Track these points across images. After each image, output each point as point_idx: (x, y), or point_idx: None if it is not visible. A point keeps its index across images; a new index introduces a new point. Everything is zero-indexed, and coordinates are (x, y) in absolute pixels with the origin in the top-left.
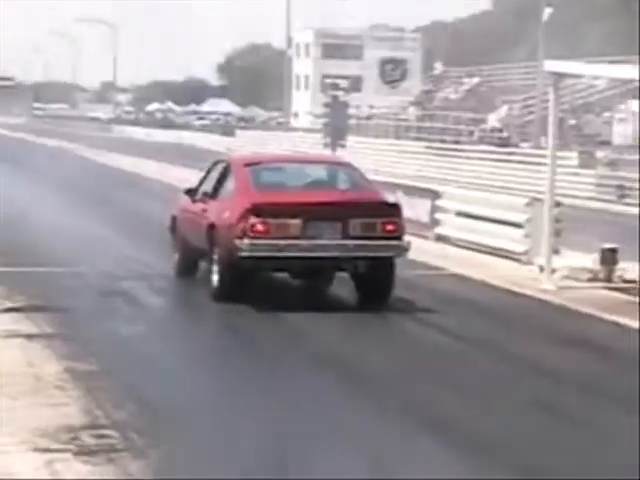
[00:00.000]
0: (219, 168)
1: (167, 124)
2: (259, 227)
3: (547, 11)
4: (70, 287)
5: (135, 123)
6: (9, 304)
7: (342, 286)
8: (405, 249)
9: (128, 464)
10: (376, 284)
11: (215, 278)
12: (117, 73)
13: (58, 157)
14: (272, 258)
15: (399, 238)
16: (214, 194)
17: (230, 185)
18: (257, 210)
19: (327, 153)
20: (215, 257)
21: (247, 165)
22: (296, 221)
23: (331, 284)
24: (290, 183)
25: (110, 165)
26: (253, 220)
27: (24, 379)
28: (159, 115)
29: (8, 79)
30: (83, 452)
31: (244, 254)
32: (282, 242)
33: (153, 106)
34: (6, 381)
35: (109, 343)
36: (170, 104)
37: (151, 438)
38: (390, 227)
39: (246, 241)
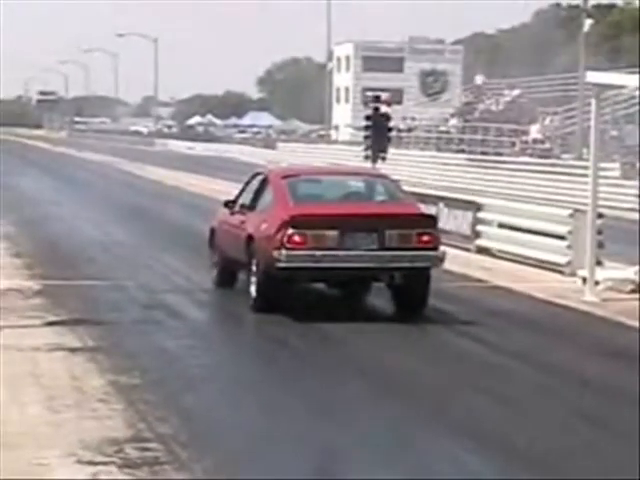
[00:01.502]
0: (257, 180)
1: (208, 137)
2: (296, 238)
3: (587, 22)
4: (112, 300)
5: (176, 136)
6: (52, 317)
7: (377, 296)
8: (441, 260)
9: (172, 477)
10: (412, 294)
11: (253, 289)
12: (158, 87)
13: (99, 171)
14: (309, 269)
15: (435, 249)
16: (252, 206)
17: (268, 197)
18: (294, 222)
19: (365, 165)
20: (253, 268)
21: (285, 177)
22: (333, 232)
23: (368, 294)
24: (327, 195)
25: (151, 179)
26: (290, 231)
27: (68, 392)
28: (200, 128)
29: (50, 94)
30: (127, 465)
31: (282, 265)
32: (319, 253)
33: (194, 119)
34: (50, 394)
35: (152, 356)
36: (211, 117)
37: (195, 451)
38: (426, 238)
39: (284, 252)
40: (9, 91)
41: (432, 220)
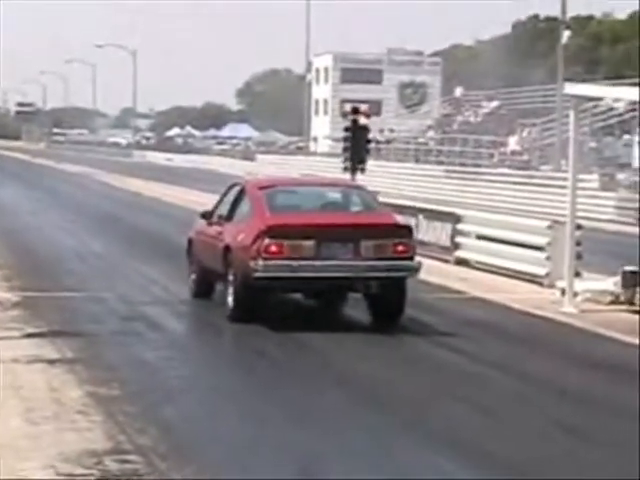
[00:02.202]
0: (234, 191)
1: (187, 149)
2: (273, 248)
3: (566, 34)
4: (90, 312)
5: (155, 148)
6: (30, 329)
7: (353, 306)
8: (416, 270)
9: None
10: (388, 304)
11: (230, 299)
12: (137, 99)
13: (78, 183)
14: (286, 278)
15: (410, 259)
16: (229, 217)
17: (245, 208)
18: (271, 232)
19: (342, 176)
20: (230, 278)
21: (262, 188)
22: (309, 242)
23: (344, 304)
24: (304, 205)
25: (129, 190)
26: (267, 241)
27: (47, 404)
28: (179, 140)
29: (28, 105)
30: (106, 477)
31: (258, 275)
32: (296, 263)
33: (173, 131)
34: (29, 406)
35: (131, 367)
36: (190, 129)
37: (174, 463)
38: (401, 248)
39: (260, 262)
40: None
41: (408, 230)
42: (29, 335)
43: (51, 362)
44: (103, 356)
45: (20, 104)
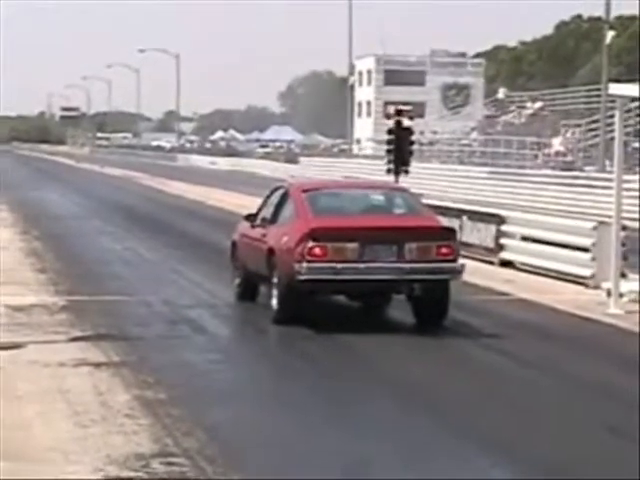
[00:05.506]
0: (278, 194)
1: (230, 152)
2: (317, 251)
3: (610, 34)
4: (136, 315)
5: (198, 151)
6: (77, 333)
7: (396, 308)
8: (460, 272)
9: None
10: (432, 306)
11: (275, 302)
12: (180, 102)
13: (122, 186)
14: (330, 281)
15: (454, 261)
16: (273, 219)
17: (289, 210)
18: (315, 234)
19: (386, 179)
20: (275, 281)
21: (305, 191)
22: (353, 245)
23: (388, 306)
24: (347, 208)
25: (173, 193)
26: (311, 244)
27: (94, 407)
28: (222, 143)
29: (73, 109)
30: None
31: (302, 277)
32: (340, 265)
33: (216, 134)
34: (76, 409)
35: (177, 371)
36: (233, 132)
37: (221, 466)
38: (445, 250)
39: (304, 265)
40: (32, 107)
41: (451, 232)
42: (75, 339)
43: (97, 365)
44: (149, 359)
45: (65, 109)
